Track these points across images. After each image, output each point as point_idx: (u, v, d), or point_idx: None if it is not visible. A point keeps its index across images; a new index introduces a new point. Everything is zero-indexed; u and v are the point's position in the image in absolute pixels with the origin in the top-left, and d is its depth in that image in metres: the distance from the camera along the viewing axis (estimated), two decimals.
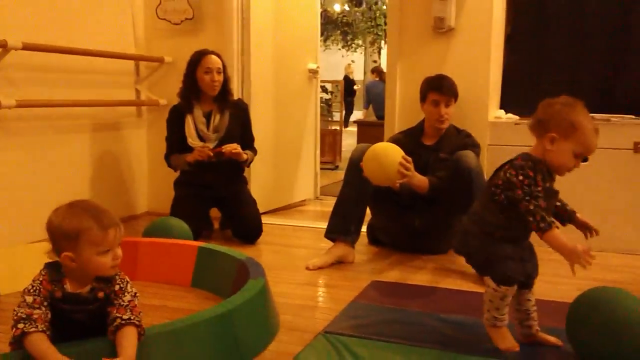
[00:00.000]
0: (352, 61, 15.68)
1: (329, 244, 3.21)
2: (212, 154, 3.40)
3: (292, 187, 4.77)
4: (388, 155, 2.91)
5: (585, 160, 1.98)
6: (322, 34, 7.57)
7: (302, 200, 4.92)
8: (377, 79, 10.23)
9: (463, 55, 3.64)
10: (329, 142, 7.63)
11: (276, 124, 4.42)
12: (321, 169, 5.26)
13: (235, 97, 3.82)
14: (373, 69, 11.14)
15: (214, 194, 3.60)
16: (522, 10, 3.85)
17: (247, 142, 3.66)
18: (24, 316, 1.54)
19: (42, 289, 1.60)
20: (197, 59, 3.53)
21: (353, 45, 17.52)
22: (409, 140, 3.34)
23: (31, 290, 1.59)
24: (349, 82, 13.81)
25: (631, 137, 3.37)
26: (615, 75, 3.71)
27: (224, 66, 3.57)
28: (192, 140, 3.50)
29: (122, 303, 1.66)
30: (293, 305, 2.51)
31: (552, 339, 2.09)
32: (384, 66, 11.54)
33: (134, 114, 4.29)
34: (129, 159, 4.24)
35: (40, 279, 1.62)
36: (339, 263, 3.13)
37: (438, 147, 3.28)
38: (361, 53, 18.17)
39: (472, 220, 2.07)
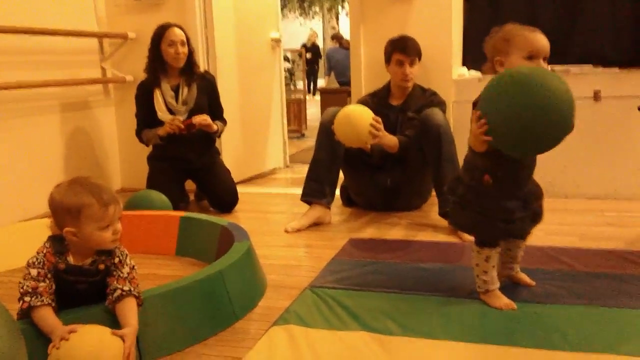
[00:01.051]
0: (311, 28, 15.63)
1: (305, 208, 3.30)
2: (182, 126, 3.43)
3: (262, 156, 4.83)
4: (358, 118, 2.98)
5: (545, 59, 1.97)
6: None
7: (272, 169, 4.99)
8: (337, 45, 10.25)
9: (425, 16, 3.71)
10: (294, 111, 7.68)
11: (242, 94, 4.45)
12: (288, 138, 5.32)
13: (201, 69, 3.84)
14: (333, 36, 11.15)
15: (188, 166, 3.65)
16: None
17: (216, 113, 3.70)
18: (30, 290, 1.62)
19: (45, 261, 1.67)
20: (160, 33, 3.53)
21: (310, 12, 17.44)
22: (376, 101, 3.43)
23: (35, 263, 1.66)
24: (314, 49, 13.70)
25: (591, 86, 3.50)
26: (572, 26, 3.82)
27: (188, 38, 3.58)
28: (162, 114, 3.52)
29: (121, 275, 1.74)
30: (277, 265, 2.59)
31: (526, 279, 2.19)
32: (343, 33, 11.61)
33: (101, 92, 4.28)
34: (99, 137, 4.25)
35: (44, 251, 1.69)
36: (316, 225, 3.22)
37: (405, 107, 3.37)
38: (319, 20, 18.11)
39: (464, 168, 2.07)
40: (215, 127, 3.56)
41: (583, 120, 3.52)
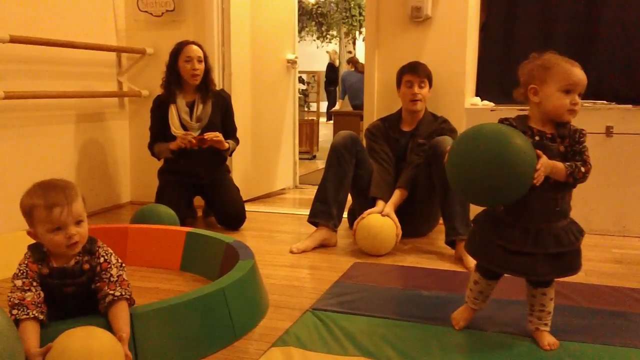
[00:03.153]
0: (333, 51, 15.69)
1: (311, 229, 3.30)
2: (194, 141, 3.46)
3: (272, 176, 4.85)
4: (381, 234, 3.07)
5: (580, 95, 1.91)
6: None
7: (282, 189, 5.00)
8: (353, 69, 10.31)
9: (440, 44, 3.74)
10: (306, 132, 7.71)
11: (255, 113, 4.48)
12: (299, 158, 5.33)
13: (217, 87, 3.88)
14: (349, 60, 11.20)
15: (198, 182, 3.67)
16: (494, 4, 3.96)
17: (230, 131, 3.73)
18: (17, 302, 1.61)
19: (29, 271, 1.67)
20: (178, 49, 3.58)
21: (328, 36, 17.54)
22: (387, 126, 3.44)
23: (19, 274, 1.67)
24: (332, 69, 13.69)
25: (603, 122, 3.50)
26: (586, 61, 3.83)
27: (206, 56, 3.63)
28: (175, 129, 3.56)
29: (111, 278, 1.74)
30: (280, 285, 2.59)
31: (544, 341, 1.95)
32: (359, 57, 11.66)
33: (116, 105, 4.33)
34: (112, 149, 4.29)
35: (26, 261, 1.69)
36: (322, 247, 3.22)
37: (416, 133, 3.38)
38: (336, 44, 18.20)
39: None
40: (226, 145, 3.59)
41: (595, 155, 3.49)
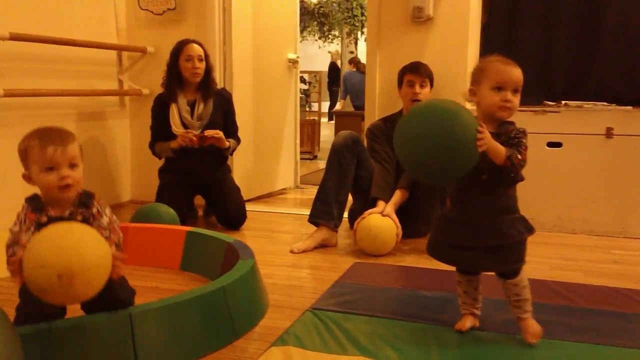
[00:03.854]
0: (336, 51, 15.69)
1: (312, 229, 3.31)
2: (195, 139, 3.46)
3: (273, 175, 4.85)
4: (381, 234, 3.07)
5: (516, 91, 1.94)
6: None
7: (282, 189, 5.01)
8: (354, 69, 10.30)
9: (441, 44, 3.74)
10: (308, 132, 7.71)
11: (256, 113, 4.49)
12: (300, 158, 5.34)
13: (218, 86, 3.88)
14: (351, 60, 11.20)
15: (198, 182, 3.67)
16: (496, 5, 3.96)
17: (231, 130, 3.73)
18: (10, 243, 1.65)
19: (27, 219, 1.68)
20: (179, 48, 3.58)
21: (330, 36, 17.55)
22: (389, 126, 3.44)
23: (16, 222, 1.69)
24: (334, 69, 13.62)
25: (603, 123, 3.50)
26: (587, 63, 3.84)
27: (207, 55, 3.63)
28: (176, 128, 3.56)
29: (101, 224, 1.74)
30: (280, 285, 2.60)
31: (529, 330, 1.96)
32: (360, 57, 11.67)
33: (117, 103, 4.33)
34: (112, 148, 4.29)
35: (24, 211, 1.71)
36: (322, 247, 3.23)
37: None
38: (338, 44, 18.21)
39: None
40: (227, 144, 3.59)
41: (594, 156, 3.54)
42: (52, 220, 1.69)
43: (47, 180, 1.67)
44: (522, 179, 1.97)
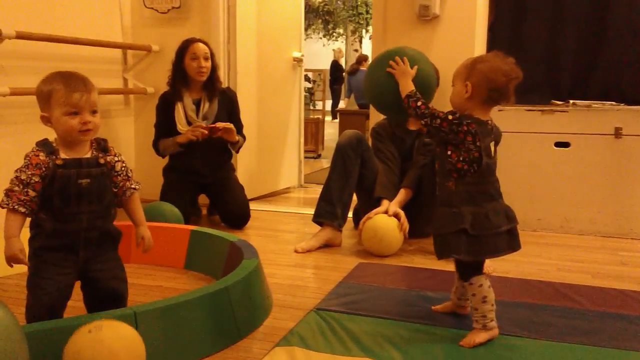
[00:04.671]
0: (339, 49, 15.70)
1: (315, 229, 3.29)
2: (206, 132, 3.44)
3: (277, 174, 4.84)
4: (387, 235, 3.05)
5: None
6: None
7: (286, 188, 4.99)
8: (358, 67, 10.28)
9: (447, 42, 3.72)
10: (312, 131, 7.69)
11: (261, 111, 4.47)
12: (304, 157, 5.32)
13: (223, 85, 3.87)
14: (358, 58, 11.14)
15: (202, 181, 3.66)
16: (503, 1, 3.93)
17: (237, 129, 3.71)
18: (8, 192, 1.72)
19: (33, 164, 1.74)
20: (184, 47, 3.57)
21: (334, 34, 17.54)
22: (394, 124, 3.42)
23: (22, 168, 1.75)
24: (337, 67, 13.62)
25: (612, 123, 3.47)
26: (595, 62, 3.81)
27: (213, 54, 3.62)
28: (182, 126, 3.54)
29: (129, 174, 1.92)
30: (284, 285, 2.58)
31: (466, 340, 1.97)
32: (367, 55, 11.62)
33: (121, 102, 4.32)
34: (117, 146, 4.20)
35: (32, 154, 1.76)
36: (326, 246, 3.21)
37: (422, 132, 3.36)
38: (342, 42, 18.21)
39: None
40: (236, 138, 3.58)
41: (602, 157, 3.52)
42: (68, 162, 1.76)
43: (70, 124, 1.74)
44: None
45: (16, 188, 1.71)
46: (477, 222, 1.91)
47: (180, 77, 3.58)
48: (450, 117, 1.97)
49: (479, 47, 3.79)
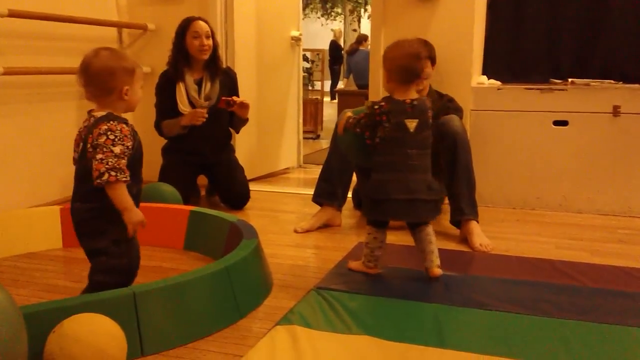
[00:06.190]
0: (338, 29, 15.59)
1: (315, 209, 3.29)
2: (207, 116, 3.43)
3: (276, 155, 4.83)
4: None
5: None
6: None
7: (285, 168, 4.98)
8: (358, 47, 10.20)
9: (446, 22, 3.69)
10: (311, 112, 7.66)
11: (259, 91, 4.45)
12: (303, 138, 5.30)
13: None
14: (358, 38, 11.04)
15: (202, 161, 3.65)
16: None
17: None
18: (117, 166, 1.80)
19: (125, 137, 1.83)
20: (185, 25, 3.53)
21: (332, 13, 17.44)
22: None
23: (116, 141, 1.82)
24: (336, 47, 13.52)
25: (610, 101, 3.46)
26: (594, 41, 3.79)
27: (213, 32, 3.58)
28: (184, 107, 3.51)
29: None
30: (284, 265, 2.59)
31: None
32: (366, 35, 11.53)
33: None
34: None
35: (122, 126, 1.84)
36: (326, 226, 3.21)
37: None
38: (341, 21, 18.10)
39: None
40: (247, 116, 3.59)
41: (601, 135, 3.51)
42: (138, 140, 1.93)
43: (139, 96, 1.96)
44: None
45: (123, 161, 1.80)
46: (377, 188, 2.25)
47: (182, 56, 3.54)
48: (367, 111, 2.27)
49: (478, 26, 3.77)
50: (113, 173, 1.77)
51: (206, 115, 3.42)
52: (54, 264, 2.62)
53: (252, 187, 3.86)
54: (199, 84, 3.56)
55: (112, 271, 1.90)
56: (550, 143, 3.58)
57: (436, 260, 2.34)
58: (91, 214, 1.89)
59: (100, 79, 1.88)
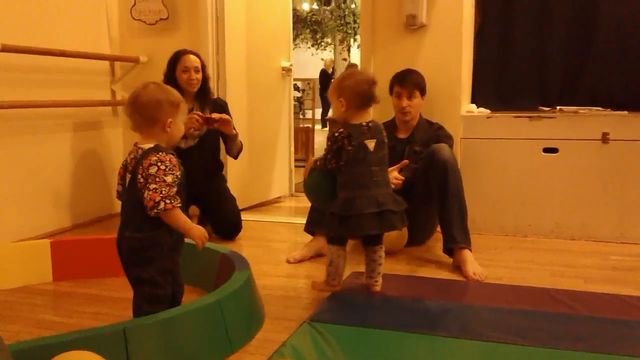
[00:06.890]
0: (327, 58, 15.71)
1: (307, 238, 3.27)
2: (201, 120, 3.41)
3: (268, 184, 4.82)
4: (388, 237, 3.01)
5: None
6: None
7: (277, 197, 4.97)
8: None
9: (435, 51, 3.72)
10: (302, 140, 7.66)
11: (251, 121, 4.46)
12: (295, 166, 5.30)
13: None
14: (348, 67, 11.15)
15: (194, 190, 3.62)
16: (490, 6, 3.94)
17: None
18: (171, 194, 1.86)
19: (177, 162, 1.91)
20: (175, 58, 3.56)
21: (322, 43, 17.58)
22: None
23: (167, 171, 1.88)
24: (326, 76, 13.65)
25: (599, 128, 3.48)
26: (582, 68, 3.82)
27: (204, 66, 3.61)
28: None
29: None
30: (276, 296, 2.56)
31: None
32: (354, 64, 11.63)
33: (110, 113, 4.30)
34: (107, 157, 4.25)
35: (171, 157, 1.91)
36: (319, 256, 3.19)
37: (411, 140, 3.37)
38: (330, 51, 18.24)
39: None
40: (234, 132, 3.57)
41: (590, 161, 3.53)
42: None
43: (181, 129, 2.02)
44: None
45: (174, 189, 1.87)
46: (348, 205, 2.34)
47: (172, 87, 3.55)
48: (328, 143, 2.41)
49: (466, 54, 3.80)
50: (168, 201, 1.84)
51: (201, 120, 3.41)
52: (42, 298, 2.58)
53: (244, 216, 3.85)
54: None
55: (158, 301, 1.92)
56: (540, 170, 3.59)
57: (379, 280, 2.52)
58: (140, 244, 1.91)
59: (146, 109, 1.93)
